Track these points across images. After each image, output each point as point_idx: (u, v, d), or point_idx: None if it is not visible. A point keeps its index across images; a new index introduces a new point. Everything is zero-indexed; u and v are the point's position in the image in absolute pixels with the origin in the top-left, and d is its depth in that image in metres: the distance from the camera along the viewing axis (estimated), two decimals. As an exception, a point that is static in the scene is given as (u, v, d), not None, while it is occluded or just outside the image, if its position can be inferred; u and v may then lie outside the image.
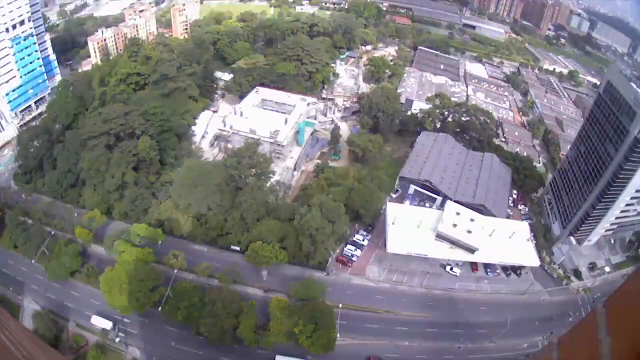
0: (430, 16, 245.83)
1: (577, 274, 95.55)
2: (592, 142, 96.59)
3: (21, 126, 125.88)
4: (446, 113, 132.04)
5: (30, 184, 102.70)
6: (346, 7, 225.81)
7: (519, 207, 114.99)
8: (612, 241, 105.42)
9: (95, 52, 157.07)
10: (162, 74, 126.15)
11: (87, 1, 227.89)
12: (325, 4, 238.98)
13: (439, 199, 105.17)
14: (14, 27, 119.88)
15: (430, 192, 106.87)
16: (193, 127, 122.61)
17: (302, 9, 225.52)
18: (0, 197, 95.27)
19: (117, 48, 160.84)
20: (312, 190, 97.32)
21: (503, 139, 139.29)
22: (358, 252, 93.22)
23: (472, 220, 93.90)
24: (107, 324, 75.33)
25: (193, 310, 72.95)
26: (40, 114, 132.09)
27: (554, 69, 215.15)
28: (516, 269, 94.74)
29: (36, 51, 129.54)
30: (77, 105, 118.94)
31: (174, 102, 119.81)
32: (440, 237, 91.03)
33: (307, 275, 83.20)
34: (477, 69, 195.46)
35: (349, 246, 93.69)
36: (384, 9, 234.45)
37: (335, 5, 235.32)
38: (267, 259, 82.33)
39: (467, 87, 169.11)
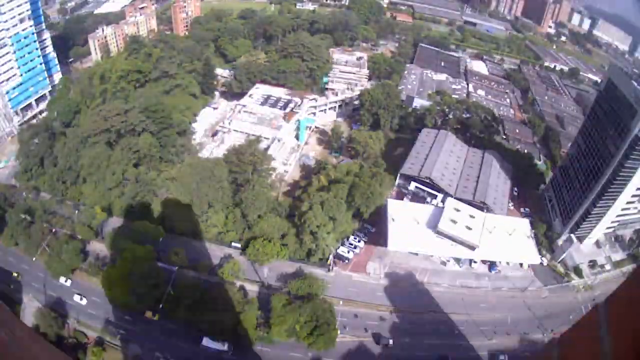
0: (431, 13, 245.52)
1: (578, 271, 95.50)
2: (593, 140, 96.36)
3: (22, 124, 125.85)
4: (447, 110, 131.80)
5: (31, 181, 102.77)
6: (347, 4, 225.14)
7: (520, 204, 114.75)
8: (613, 239, 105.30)
9: (96, 49, 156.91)
10: (162, 71, 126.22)
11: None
12: (326, 0, 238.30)
13: (440, 196, 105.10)
14: (14, 25, 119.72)
15: (431, 189, 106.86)
16: (194, 124, 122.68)
17: (302, 6, 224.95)
18: (2, 195, 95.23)
19: (117, 45, 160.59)
20: (313, 187, 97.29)
21: (504, 136, 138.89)
22: (351, 255, 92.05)
23: (472, 217, 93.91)
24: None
25: (194, 307, 73.19)
26: (40, 112, 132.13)
27: (555, 66, 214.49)
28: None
29: (36, 49, 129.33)
30: (78, 103, 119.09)
31: (175, 99, 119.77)
32: (440, 234, 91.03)
33: (308, 272, 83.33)
34: (478, 66, 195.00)
35: (346, 244, 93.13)
36: (385, 5, 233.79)
37: (336, 2, 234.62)
38: (268, 256, 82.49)
39: (468, 84, 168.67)
